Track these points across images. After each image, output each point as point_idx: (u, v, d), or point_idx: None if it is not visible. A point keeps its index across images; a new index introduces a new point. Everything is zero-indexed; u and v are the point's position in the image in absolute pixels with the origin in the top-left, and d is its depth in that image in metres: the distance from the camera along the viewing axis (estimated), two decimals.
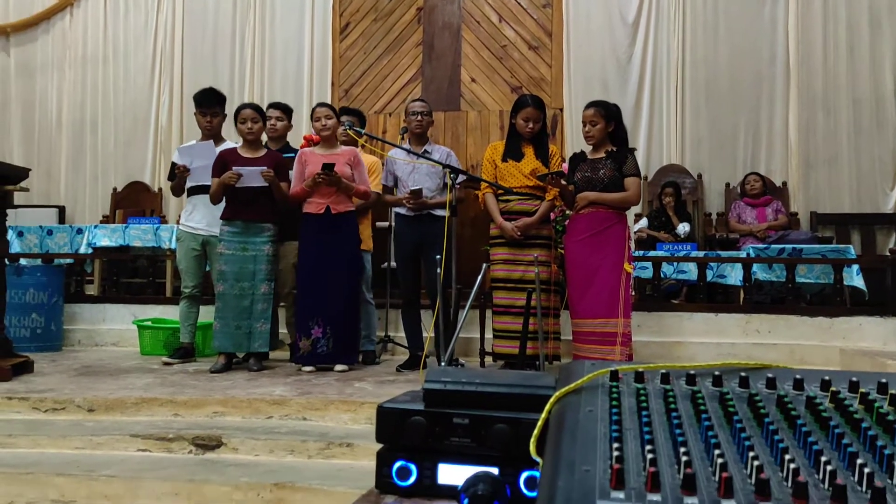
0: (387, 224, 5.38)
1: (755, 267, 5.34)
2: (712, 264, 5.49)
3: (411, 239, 4.76)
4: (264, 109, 4.93)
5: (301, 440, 3.22)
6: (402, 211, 4.85)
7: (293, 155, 4.83)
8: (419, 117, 4.81)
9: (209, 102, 4.93)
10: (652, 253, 5.67)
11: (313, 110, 4.72)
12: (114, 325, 5.89)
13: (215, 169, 4.60)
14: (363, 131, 4.57)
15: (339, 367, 4.52)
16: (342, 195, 4.56)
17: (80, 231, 6.36)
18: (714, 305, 5.37)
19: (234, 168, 4.48)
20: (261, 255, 4.59)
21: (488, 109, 7.21)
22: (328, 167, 4.40)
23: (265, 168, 4.47)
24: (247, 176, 4.47)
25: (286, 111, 5.12)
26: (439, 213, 4.63)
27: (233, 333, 4.56)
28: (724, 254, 5.71)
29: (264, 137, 4.91)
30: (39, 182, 7.74)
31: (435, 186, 4.78)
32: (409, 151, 4.69)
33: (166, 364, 4.82)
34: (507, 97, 6.97)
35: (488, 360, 4.62)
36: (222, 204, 4.64)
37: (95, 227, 6.35)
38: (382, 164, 5.06)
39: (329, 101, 7.08)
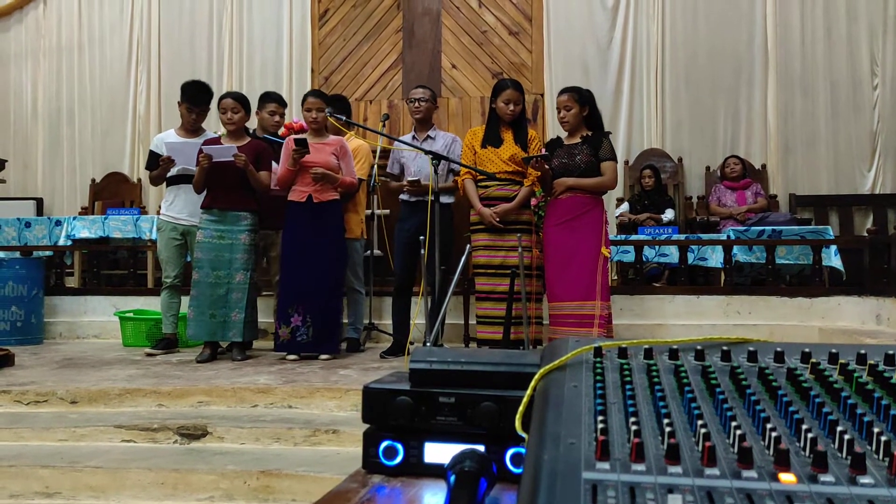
0: (387, 212, 5.34)
1: (735, 249, 5.39)
2: (693, 247, 5.53)
3: (412, 225, 4.74)
4: (259, 99, 4.90)
5: (287, 427, 3.22)
6: (405, 197, 4.86)
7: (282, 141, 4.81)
8: (416, 104, 4.83)
9: (201, 100, 4.86)
10: (634, 237, 5.70)
11: (303, 100, 4.67)
12: (95, 317, 5.84)
13: (199, 159, 4.55)
14: (343, 118, 4.56)
15: (323, 356, 4.52)
16: (325, 184, 4.52)
17: (58, 223, 6.28)
18: (695, 288, 5.42)
19: (204, 149, 4.44)
20: (237, 244, 4.55)
21: (469, 96, 7.19)
22: (300, 142, 4.37)
23: (236, 151, 4.42)
24: (217, 154, 4.42)
25: (281, 103, 5.14)
26: (443, 199, 4.62)
27: (207, 322, 4.52)
28: (704, 237, 5.75)
29: (253, 124, 4.89)
30: (16, 174, 7.64)
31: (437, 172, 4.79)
32: (413, 138, 4.79)
33: (149, 355, 4.79)
34: (487, 83, 6.94)
35: (472, 346, 4.64)
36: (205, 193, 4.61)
37: (74, 218, 6.28)
38: (373, 152, 5.04)
39: (310, 89, 7.03)
